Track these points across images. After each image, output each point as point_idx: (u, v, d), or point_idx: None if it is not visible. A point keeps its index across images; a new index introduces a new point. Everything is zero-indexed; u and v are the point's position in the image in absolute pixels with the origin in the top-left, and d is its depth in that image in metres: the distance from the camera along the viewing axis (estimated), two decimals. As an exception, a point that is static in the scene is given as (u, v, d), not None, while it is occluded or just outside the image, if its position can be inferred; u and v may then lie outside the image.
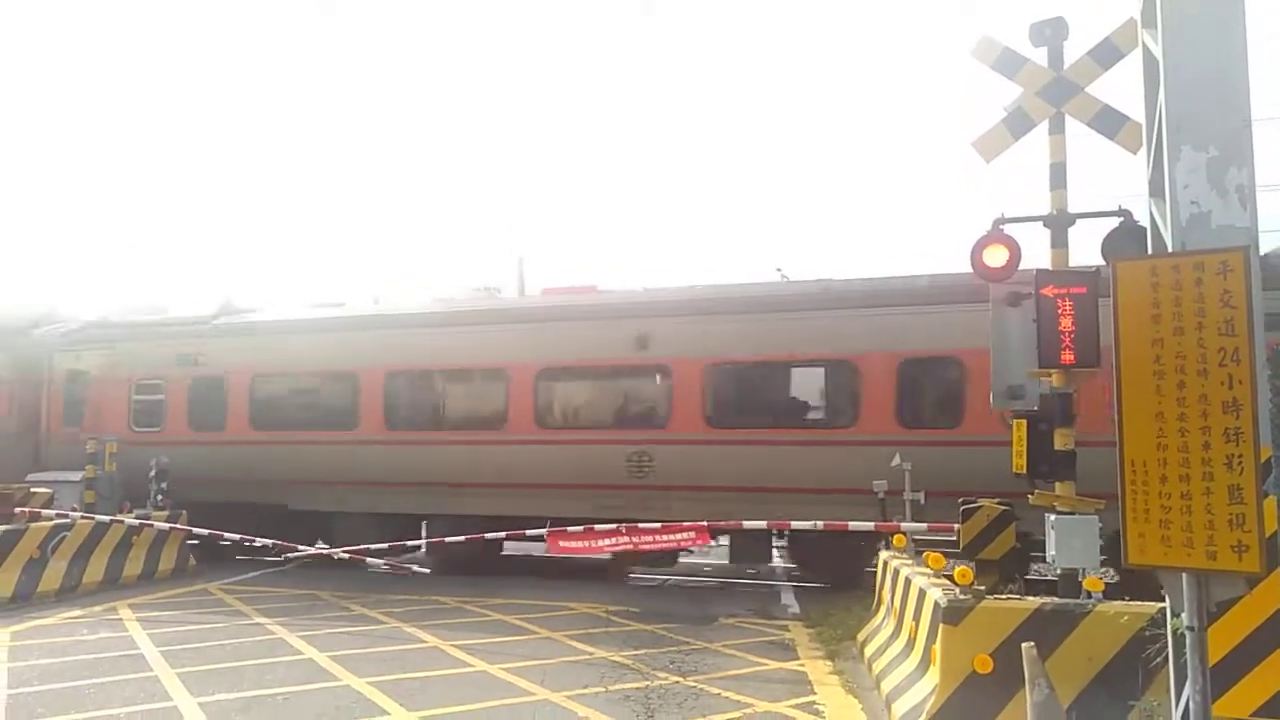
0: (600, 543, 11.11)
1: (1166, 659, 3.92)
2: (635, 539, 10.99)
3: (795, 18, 73.21)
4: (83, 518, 12.38)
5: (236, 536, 12.83)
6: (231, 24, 70.71)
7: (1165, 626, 3.94)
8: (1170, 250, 3.84)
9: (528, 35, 74.07)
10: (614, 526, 11.14)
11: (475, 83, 76.15)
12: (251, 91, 70.28)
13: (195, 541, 13.61)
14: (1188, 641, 3.56)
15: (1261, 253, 4.14)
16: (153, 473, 13.77)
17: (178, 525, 13.19)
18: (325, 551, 13.57)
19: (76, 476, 14.05)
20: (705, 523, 10.88)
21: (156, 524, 12.95)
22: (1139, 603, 5.58)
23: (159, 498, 13.73)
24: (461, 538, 12.14)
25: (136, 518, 12.93)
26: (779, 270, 12.64)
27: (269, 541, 12.86)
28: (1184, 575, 3.55)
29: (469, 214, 60.94)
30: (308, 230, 60.34)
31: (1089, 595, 6.31)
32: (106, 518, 12.55)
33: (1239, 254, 3.46)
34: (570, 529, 11.30)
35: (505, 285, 16.31)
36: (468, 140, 72.65)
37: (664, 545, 11.27)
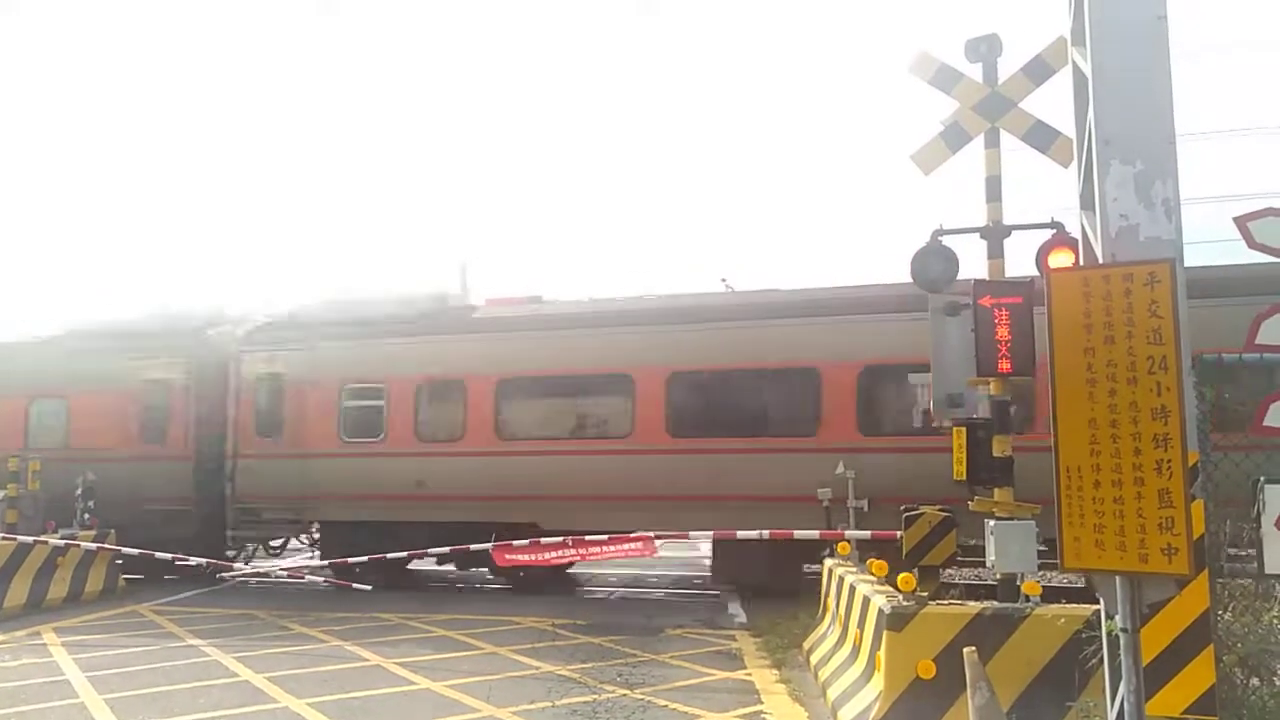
0: (546, 555, 11.01)
1: (1102, 660, 4.01)
2: (582, 550, 10.94)
3: (794, 21, 73.43)
4: (3, 538, 11.85)
5: (168, 555, 12.38)
6: (223, 24, 68.22)
7: (1100, 628, 4.03)
8: (1100, 261, 3.95)
9: (520, 37, 73.06)
10: (560, 540, 11.05)
11: (466, 81, 74.79)
12: (238, 90, 67.93)
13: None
14: (1122, 643, 3.65)
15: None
16: (79, 490, 13.25)
17: (105, 545, 12.70)
18: (262, 568, 13.19)
19: (-2, 495, 13.45)
20: (653, 533, 10.87)
21: (83, 544, 12.44)
22: (1075, 605, 5.71)
23: (85, 516, 13.20)
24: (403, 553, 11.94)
25: (61, 537, 12.41)
26: (723, 280, 12.76)
27: (204, 561, 12.45)
28: (1117, 578, 3.64)
29: (463, 214, 60.02)
30: (287, 229, 58.70)
31: (1027, 599, 6.44)
32: (30, 538, 12.03)
33: (1165, 265, 3.57)
34: (516, 542, 11.18)
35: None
36: (459, 138, 71.22)
37: (610, 556, 11.22)
